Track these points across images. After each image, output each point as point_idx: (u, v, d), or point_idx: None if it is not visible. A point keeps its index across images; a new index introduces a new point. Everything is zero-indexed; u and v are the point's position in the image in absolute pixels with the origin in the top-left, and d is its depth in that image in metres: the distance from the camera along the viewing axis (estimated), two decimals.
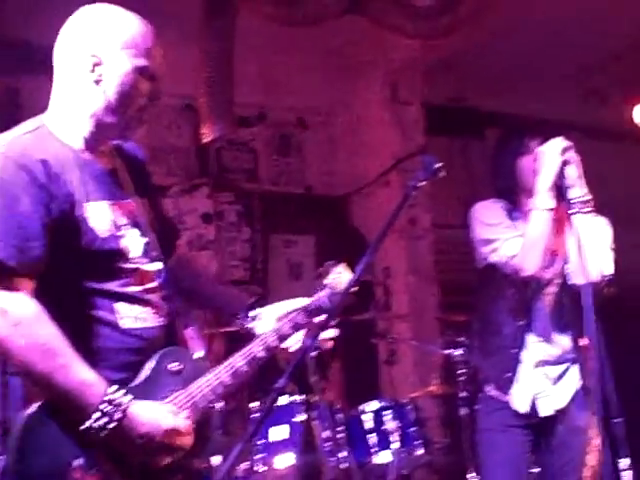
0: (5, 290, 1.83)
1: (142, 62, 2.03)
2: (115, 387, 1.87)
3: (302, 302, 2.30)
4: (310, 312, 2.30)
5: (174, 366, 2.04)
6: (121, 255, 2.02)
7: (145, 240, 2.09)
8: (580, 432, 3.09)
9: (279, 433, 3.43)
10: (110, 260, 1.99)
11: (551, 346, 3.07)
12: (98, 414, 1.82)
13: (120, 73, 2.01)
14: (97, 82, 2.01)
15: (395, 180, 5.40)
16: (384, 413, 3.61)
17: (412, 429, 3.59)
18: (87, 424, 1.82)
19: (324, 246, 5.55)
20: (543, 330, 3.06)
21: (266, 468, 3.41)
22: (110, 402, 1.84)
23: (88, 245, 1.95)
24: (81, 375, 1.83)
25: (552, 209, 2.86)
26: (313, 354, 1.84)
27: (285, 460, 3.40)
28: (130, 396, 1.88)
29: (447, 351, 3.90)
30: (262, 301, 2.34)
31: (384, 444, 3.54)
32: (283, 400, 3.51)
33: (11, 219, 1.85)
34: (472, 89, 5.95)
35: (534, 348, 3.06)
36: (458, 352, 3.78)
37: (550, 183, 2.83)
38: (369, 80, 5.65)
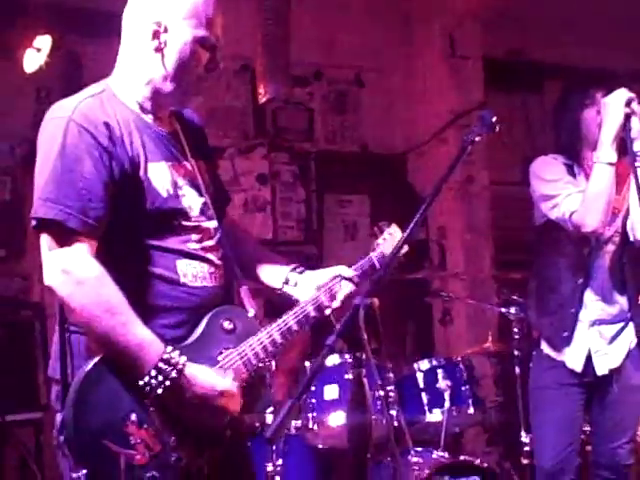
0: (68, 250, 1.90)
1: (202, 32, 2.06)
2: (171, 347, 1.93)
3: (342, 270, 2.30)
4: (361, 274, 2.32)
5: (227, 324, 2.09)
6: (182, 213, 2.07)
7: (202, 200, 2.14)
8: (635, 390, 3.09)
9: (332, 392, 3.48)
10: (172, 218, 2.05)
11: (609, 305, 3.04)
12: (154, 372, 1.88)
13: (180, 42, 2.05)
14: (157, 50, 2.05)
15: (453, 137, 5.32)
16: (437, 372, 3.62)
17: (464, 387, 3.60)
18: (144, 381, 1.88)
19: (379, 206, 5.53)
20: (601, 289, 3.03)
21: (318, 426, 3.47)
22: (167, 361, 1.90)
23: (151, 204, 2.01)
24: (140, 334, 1.90)
25: (615, 163, 2.80)
26: (362, 313, 1.84)
27: (338, 418, 3.45)
28: (185, 357, 1.93)
29: (502, 309, 3.88)
30: (304, 267, 2.35)
31: (436, 402, 3.56)
32: (334, 359, 3.57)
33: (74, 181, 1.91)
34: (531, 41, 5.80)
35: (592, 307, 3.03)
36: (513, 310, 3.76)
37: (614, 136, 2.76)
38: (426, 34, 5.56)
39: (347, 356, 3.48)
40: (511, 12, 5.40)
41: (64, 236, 1.90)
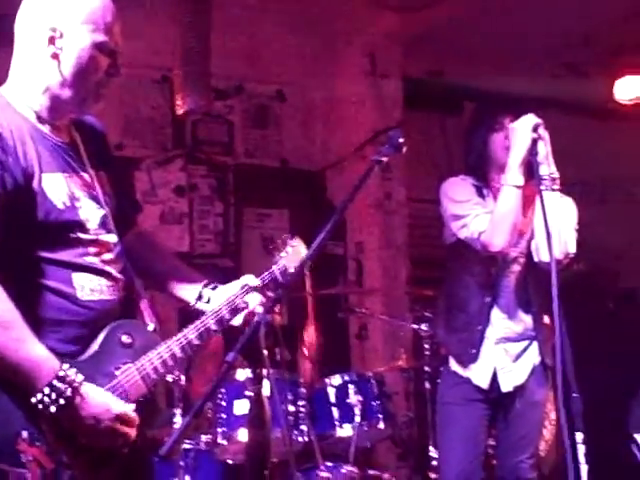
0: None
1: (101, 37, 2.01)
2: (67, 365, 1.88)
3: (248, 280, 2.29)
4: (263, 287, 2.32)
5: (126, 338, 2.05)
6: (79, 226, 2.02)
7: (102, 212, 2.10)
8: (537, 406, 3.17)
9: (242, 407, 3.46)
10: (68, 230, 1.99)
11: (514, 323, 3.12)
12: (48, 390, 1.82)
13: (78, 48, 2.00)
14: (54, 56, 2.00)
15: (372, 154, 5.38)
16: (348, 387, 3.64)
17: (375, 402, 3.62)
18: (37, 398, 1.83)
19: (298, 220, 5.54)
20: (508, 307, 3.11)
21: (227, 441, 3.44)
22: (62, 379, 1.84)
23: (46, 216, 1.95)
24: (34, 351, 1.84)
25: (522, 186, 2.87)
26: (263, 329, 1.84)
27: (245, 433, 3.42)
28: (82, 376, 1.89)
29: (414, 326, 3.93)
30: (217, 283, 2.32)
31: (347, 417, 3.57)
32: (246, 373, 3.54)
33: None
34: (450, 63, 5.93)
35: (498, 325, 3.10)
36: (424, 327, 3.82)
37: (521, 159, 2.84)
38: (348, 53, 5.62)
39: (266, 372, 3.47)
40: (432, 33, 5.52)
41: None
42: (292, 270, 2.39)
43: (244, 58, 5.40)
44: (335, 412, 3.61)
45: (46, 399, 1.83)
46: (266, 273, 2.39)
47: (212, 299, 2.27)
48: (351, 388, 3.64)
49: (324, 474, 3.44)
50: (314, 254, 2.11)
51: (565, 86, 5.90)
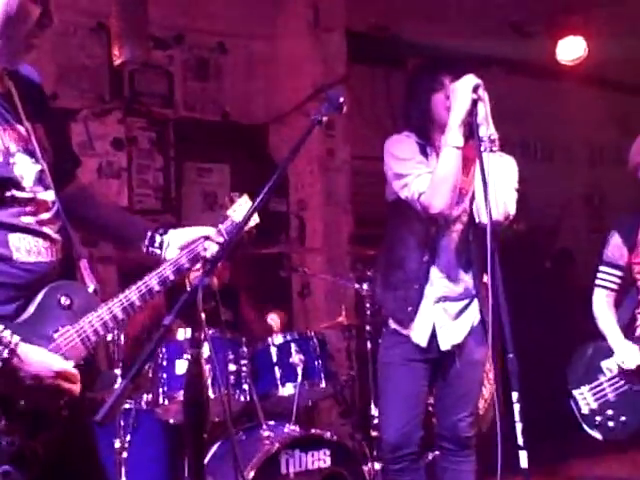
0: None
1: None
2: (2, 326, 1.81)
3: (206, 231, 2.25)
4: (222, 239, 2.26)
5: (64, 300, 1.98)
6: (14, 183, 1.93)
7: (38, 167, 2.01)
8: (477, 365, 3.20)
9: (183, 366, 3.41)
10: (2, 189, 1.91)
11: (454, 283, 3.12)
12: None
13: None
14: None
15: (314, 110, 5.30)
16: (290, 346, 3.62)
17: (317, 362, 3.61)
18: None
19: (239, 175, 5.46)
20: (447, 267, 3.10)
21: (168, 401, 3.40)
22: None
23: None
24: None
25: (461, 147, 2.86)
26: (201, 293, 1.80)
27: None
28: (18, 337, 1.82)
29: (356, 285, 3.92)
30: (167, 229, 2.28)
31: (289, 377, 3.56)
32: (183, 334, 3.49)
33: None
34: (395, 18, 5.87)
35: (437, 284, 3.10)
36: (365, 286, 3.81)
37: (461, 120, 2.81)
38: (291, 4, 5.50)
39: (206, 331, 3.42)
40: None
41: None
42: (235, 229, 2.33)
43: (185, 7, 5.23)
44: (277, 371, 3.60)
45: None
46: (216, 229, 2.31)
47: (165, 242, 2.22)
48: (293, 347, 3.62)
49: (266, 433, 3.45)
50: (256, 210, 2.08)
51: (508, 45, 5.91)
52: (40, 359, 1.86)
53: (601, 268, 3.42)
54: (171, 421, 3.55)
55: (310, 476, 3.34)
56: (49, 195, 2.03)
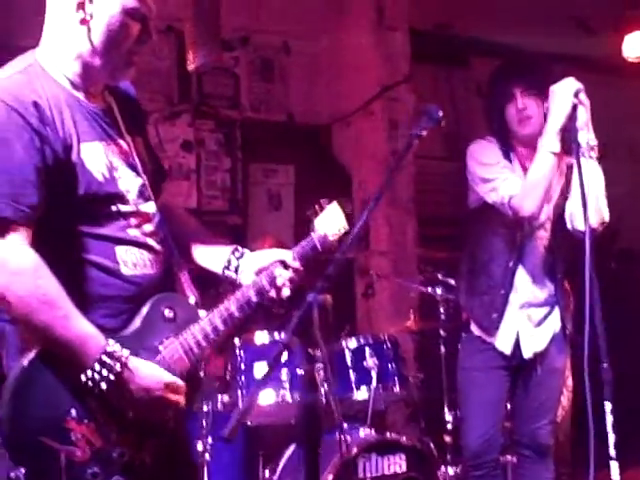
0: (2, 240, 1.79)
1: (132, 3, 1.95)
2: (113, 341, 1.86)
3: (281, 255, 2.22)
4: (302, 256, 2.25)
5: (168, 312, 2.03)
6: (119, 197, 1.98)
7: (140, 181, 2.05)
8: (557, 373, 3.19)
9: (262, 370, 3.46)
10: (109, 203, 1.96)
11: (538, 289, 3.11)
12: (98, 366, 1.81)
13: (107, 14, 1.94)
14: (83, 22, 1.93)
15: (379, 109, 5.31)
16: (365, 349, 3.63)
17: (390, 365, 3.62)
18: (86, 375, 1.81)
19: (304, 176, 5.49)
20: (532, 272, 3.10)
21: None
22: (110, 355, 1.83)
23: (86, 189, 1.91)
24: (81, 327, 1.82)
25: (558, 153, 2.81)
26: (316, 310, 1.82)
27: (267, 396, 3.43)
28: (128, 350, 1.86)
29: (429, 289, 3.92)
30: (242, 244, 2.29)
31: (364, 380, 3.58)
32: (264, 338, 3.54)
33: (4, 166, 1.80)
34: (458, 16, 5.82)
35: (522, 290, 3.09)
36: (439, 290, 3.80)
37: (560, 125, 2.75)
38: (355, 5, 5.49)
39: (277, 336, 3.48)
40: None
41: None
42: (331, 238, 2.30)
43: (249, 8, 5.26)
44: (352, 375, 3.62)
45: (96, 376, 1.82)
46: (305, 241, 2.27)
47: (240, 266, 2.22)
48: (367, 351, 3.63)
49: (342, 436, 3.47)
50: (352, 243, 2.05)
51: (573, 42, 5.82)
52: (150, 372, 1.90)
53: None
54: (248, 423, 3.60)
55: None
56: (150, 207, 2.07)
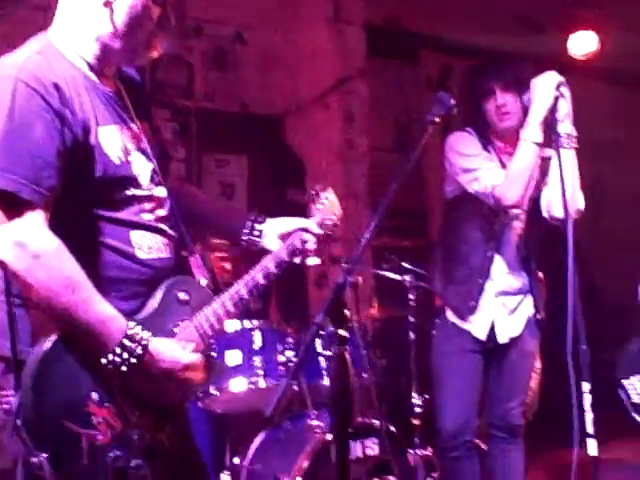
0: (22, 222, 1.75)
1: None
2: (134, 323, 1.85)
3: (304, 223, 2.27)
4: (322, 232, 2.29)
5: (183, 295, 2.03)
6: (133, 181, 1.97)
7: (151, 166, 2.04)
8: (529, 356, 3.30)
9: (234, 357, 3.45)
10: (124, 187, 1.94)
11: (514, 278, 3.20)
12: (119, 349, 1.80)
13: None
14: (106, 4, 1.91)
15: (334, 102, 5.36)
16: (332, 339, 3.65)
17: (360, 352, 3.65)
18: (107, 358, 1.79)
19: (257, 166, 5.49)
20: (508, 262, 3.19)
21: (219, 392, 3.42)
22: (131, 338, 1.82)
23: (103, 172, 1.89)
24: (103, 310, 1.80)
25: (541, 143, 2.89)
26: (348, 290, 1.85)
27: (239, 384, 3.42)
28: (149, 332, 1.85)
29: (396, 276, 3.96)
30: (262, 215, 2.32)
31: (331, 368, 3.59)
32: (236, 325, 3.53)
33: (25, 147, 1.76)
34: (408, 12, 5.92)
35: (498, 279, 3.18)
36: (408, 277, 3.86)
37: (542, 117, 2.83)
38: None
39: (254, 322, 3.48)
40: None
41: (16, 207, 1.75)
42: (329, 222, 2.34)
43: None
44: (322, 362, 3.64)
45: (117, 359, 1.81)
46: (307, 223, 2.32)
47: (263, 232, 2.26)
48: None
49: (314, 422, 3.50)
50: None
51: (520, 39, 5.98)
52: (170, 355, 1.90)
53: None
54: (218, 410, 3.59)
55: (360, 464, 3.39)
56: (162, 191, 2.06)
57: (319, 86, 5.40)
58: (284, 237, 2.25)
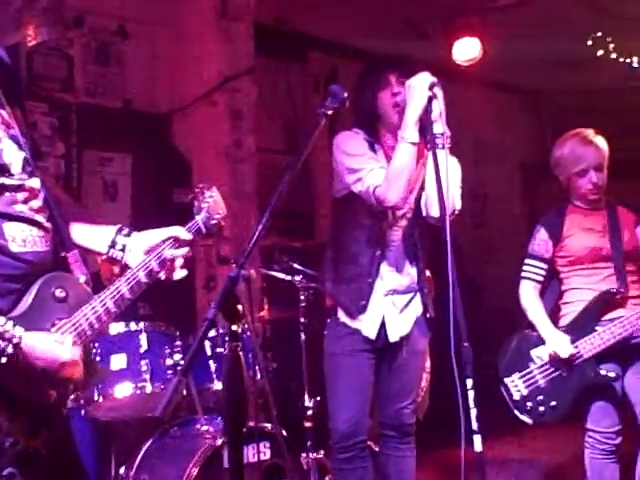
0: None
1: None
2: (4, 319, 1.69)
3: (173, 231, 2.15)
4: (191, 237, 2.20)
5: (59, 292, 1.88)
6: (4, 170, 1.82)
7: (23, 155, 1.89)
8: (419, 355, 3.30)
9: (119, 362, 3.29)
10: None
11: (402, 276, 3.19)
12: None
13: None
14: None
15: (221, 100, 5.23)
16: (225, 339, 3.55)
17: (250, 355, 3.57)
18: None
19: (141, 165, 5.29)
20: (396, 261, 3.18)
21: (102, 398, 3.26)
22: (1, 336, 1.66)
23: None
24: None
25: (417, 143, 2.91)
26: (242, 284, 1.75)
27: (124, 389, 3.28)
28: (22, 329, 1.70)
29: (287, 277, 3.91)
30: (128, 228, 2.18)
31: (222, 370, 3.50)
32: (119, 327, 3.38)
33: None
34: (297, 12, 5.88)
35: (387, 278, 3.16)
36: (298, 278, 3.81)
37: (417, 117, 2.86)
38: None
39: (141, 325, 3.33)
40: None
41: None
42: (214, 221, 2.29)
43: None
44: (212, 365, 3.53)
45: None
46: (191, 223, 2.26)
47: (127, 246, 2.11)
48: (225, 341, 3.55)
49: (204, 427, 3.39)
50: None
51: (406, 44, 6.04)
52: (46, 349, 1.76)
53: (527, 261, 3.56)
54: (101, 418, 3.41)
55: (252, 469, 3.30)
56: (35, 182, 1.93)
57: (206, 84, 5.26)
58: (150, 252, 2.11)
